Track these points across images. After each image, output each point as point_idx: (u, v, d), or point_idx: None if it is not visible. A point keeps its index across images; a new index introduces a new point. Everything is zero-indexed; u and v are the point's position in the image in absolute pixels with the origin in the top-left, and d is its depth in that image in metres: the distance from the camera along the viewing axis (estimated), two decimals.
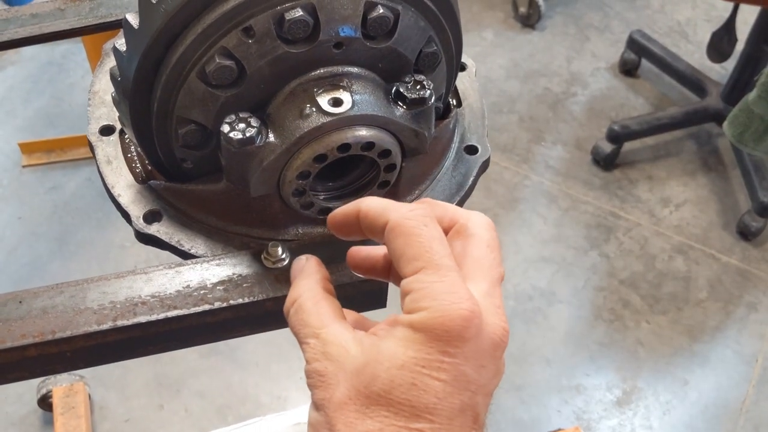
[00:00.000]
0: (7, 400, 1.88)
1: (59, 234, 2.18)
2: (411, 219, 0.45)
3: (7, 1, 2.75)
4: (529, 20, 2.78)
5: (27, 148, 2.32)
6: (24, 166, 2.32)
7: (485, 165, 0.68)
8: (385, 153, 0.58)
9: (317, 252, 0.60)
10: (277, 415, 1.84)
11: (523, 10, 2.75)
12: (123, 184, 0.63)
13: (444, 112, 0.67)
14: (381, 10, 0.55)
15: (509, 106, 2.55)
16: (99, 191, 2.30)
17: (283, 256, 0.58)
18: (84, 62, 2.53)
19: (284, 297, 0.58)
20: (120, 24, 0.76)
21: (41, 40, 0.75)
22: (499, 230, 2.22)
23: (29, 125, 2.45)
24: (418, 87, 0.57)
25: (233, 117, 0.54)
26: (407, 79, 0.58)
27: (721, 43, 2.20)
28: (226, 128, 0.54)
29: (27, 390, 1.85)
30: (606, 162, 2.37)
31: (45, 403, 1.81)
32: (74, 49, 2.59)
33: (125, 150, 0.65)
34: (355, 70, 0.57)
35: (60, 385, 1.79)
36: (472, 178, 0.66)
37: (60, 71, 2.59)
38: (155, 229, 0.61)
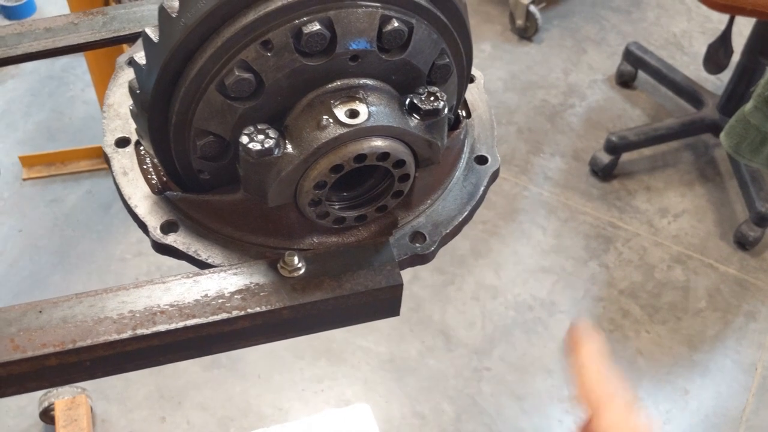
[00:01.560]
0: (9, 413, 1.88)
1: (60, 247, 2.18)
2: None
3: (6, 15, 2.76)
4: (527, 33, 2.80)
5: (27, 162, 2.33)
6: (24, 180, 2.33)
7: (495, 175, 0.69)
8: (400, 163, 0.59)
9: (330, 261, 0.61)
10: (280, 426, 1.84)
11: (520, 22, 2.78)
12: (139, 195, 0.64)
13: (454, 123, 0.69)
14: (396, 24, 0.57)
15: (507, 117, 2.57)
16: (99, 204, 2.32)
17: (299, 265, 0.59)
18: (84, 75, 2.54)
19: (300, 305, 0.59)
20: (133, 38, 0.77)
21: (55, 53, 0.76)
22: (499, 241, 2.24)
23: (30, 138, 2.45)
24: (431, 98, 0.58)
25: (252, 128, 0.55)
26: (421, 91, 0.59)
27: (717, 55, 2.22)
28: (245, 139, 0.55)
29: (29, 402, 1.85)
30: (604, 173, 2.39)
31: (47, 416, 1.81)
32: (75, 62, 2.61)
33: (141, 161, 0.66)
34: (370, 82, 0.58)
35: (62, 397, 1.79)
36: (482, 188, 0.68)
37: (60, 85, 2.60)
38: (172, 239, 0.62)
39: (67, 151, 2.33)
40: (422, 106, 0.58)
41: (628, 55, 2.63)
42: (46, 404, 1.80)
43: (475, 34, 2.87)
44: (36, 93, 2.58)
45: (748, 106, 1.87)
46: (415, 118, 0.58)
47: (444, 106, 0.58)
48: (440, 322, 2.05)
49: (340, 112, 0.56)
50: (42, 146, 2.41)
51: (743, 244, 2.24)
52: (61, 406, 1.78)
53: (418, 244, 0.64)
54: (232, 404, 1.91)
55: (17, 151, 2.37)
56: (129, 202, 0.64)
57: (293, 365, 1.96)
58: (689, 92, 2.51)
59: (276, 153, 0.55)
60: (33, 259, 2.15)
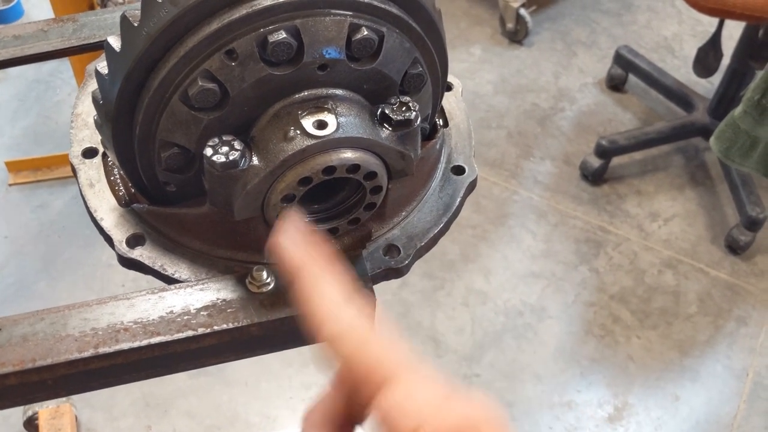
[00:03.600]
0: None
1: (46, 253, 2.16)
2: None
3: None
4: (517, 36, 2.79)
5: (14, 167, 2.31)
6: (10, 185, 2.30)
7: (472, 185, 0.68)
8: (371, 175, 0.57)
9: None
10: None
11: (510, 26, 2.77)
12: (106, 207, 0.63)
13: (430, 133, 0.67)
14: (365, 32, 0.55)
15: (497, 121, 2.56)
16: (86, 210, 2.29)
17: (268, 280, 0.58)
18: (71, 80, 2.52)
19: (269, 322, 0.57)
20: (102, 45, 0.75)
21: (24, 61, 0.75)
22: (489, 246, 2.23)
23: (16, 143, 2.43)
24: (403, 108, 0.57)
25: (216, 140, 0.54)
26: (392, 101, 0.57)
27: (707, 58, 2.22)
28: (209, 151, 0.53)
29: (13, 412, 1.83)
30: (594, 177, 2.37)
31: (31, 425, 1.79)
32: (61, 67, 2.59)
33: (108, 173, 0.65)
34: (339, 92, 0.56)
35: (46, 406, 1.77)
36: (459, 199, 0.66)
37: (47, 89, 2.58)
38: (138, 254, 0.60)
39: (54, 156, 2.31)
40: (394, 117, 0.57)
41: (619, 59, 2.62)
42: (30, 413, 1.78)
43: (464, 38, 2.87)
44: (23, 98, 2.56)
45: (738, 110, 1.86)
46: (387, 128, 0.57)
47: (416, 117, 0.57)
48: (429, 328, 2.04)
49: (308, 122, 0.54)
50: (28, 151, 2.39)
51: (734, 248, 2.23)
52: (45, 415, 1.76)
53: (392, 258, 0.62)
54: (219, 412, 1.89)
55: (3, 157, 2.35)
56: (95, 214, 0.62)
57: (281, 372, 1.94)
58: (680, 96, 2.50)
59: (241, 165, 0.54)
60: (19, 266, 2.13)
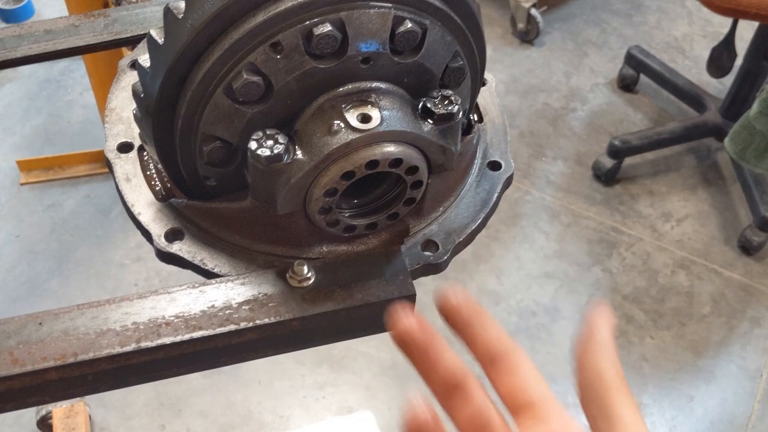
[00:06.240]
0: (5, 421, 1.85)
1: (58, 252, 2.16)
2: None
3: (4, 18, 2.74)
4: (528, 36, 2.78)
5: (25, 166, 2.31)
6: (22, 184, 2.30)
7: (509, 181, 0.67)
8: (413, 169, 0.57)
9: (341, 271, 0.59)
10: None
11: (521, 26, 2.76)
12: (143, 202, 0.62)
13: (466, 128, 0.67)
14: (409, 25, 0.55)
15: (509, 121, 2.53)
16: (98, 209, 2.29)
17: (309, 275, 0.57)
18: (83, 79, 2.52)
19: (311, 316, 0.57)
20: (135, 40, 0.75)
21: (55, 56, 0.74)
22: (501, 246, 2.22)
23: (27, 143, 2.43)
24: (445, 102, 0.56)
25: (260, 134, 0.53)
26: (434, 95, 0.57)
27: (720, 59, 2.21)
28: (253, 145, 0.53)
29: (26, 411, 1.82)
30: (607, 177, 2.37)
31: (44, 424, 1.78)
32: (73, 66, 2.58)
33: (144, 167, 0.64)
34: (382, 85, 0.56)
35: (60, 406, 1.77)
36: (496, 195, 0.66)
37: (58, 88, 2.58)
38: (177, 248, 0.60)
39: (66, 156, 2.31)
40: (436, 110, 0.56)
41: (630, 59, 2.61)
42: (43, 412, 1.77)
43: None
44: (34, 97, 2.56)
45: (753, 111, 1.86)
46: (429, 122, 0.56)
47: (458, 110, 0.57)
48: (443, 328, 2.03)
49: (352, 116, 0.54)
50: (40, 150, 2.39)
51: (747, 248, 2.22)
52: (59, 414, 1.76)
53: (430, 253, 0.62)
54: (233, 411, 1.88)
55: (15, 156, 2.34)
56: (132, 209, 0.62)
57: (294, 372, 1.93)
58: (691, 96, 2.50)
59: (285, 159, 0.53)
60: (31, 265, 2.13)
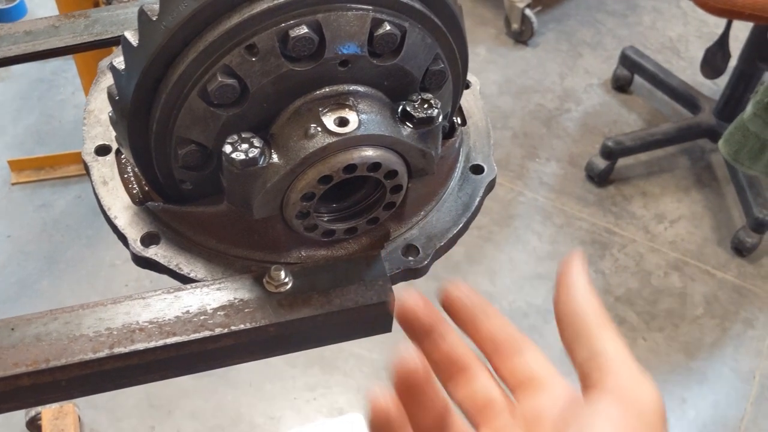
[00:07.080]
0: None
1: (48, 252, 2.15)
2: None
3: None
4: (522, 36, 2.78)
5: (16, 166, 2.30)
6: (13, 184, 2.29)
7: (491, 185, 0.67)
8: (392, 174, 0.56)
9: (319, 276, 0.58)
10: None
11: (515, 26, 2.76)
12: (119, 205, 0.61)
13: (449, 131, 0.66)
14: (388, 27, 0.54)
15: (502, 122, 2.54)
16: (89, 209, 2.28)
17: (286, 279, 0.57)
18: (74, 79, 2.51)
19: (287, 322, 0.56)
20: (115, 41, 0.75)
21: (35, 57, 0.74)
22: (494, 247, 2.22)
23: (18, 142, 2.42)
24: (425, 106, 0.56)
25: (235, 137, 0.53)
26: (414, 98, 0.56)
27: (714, 59, 2.20)
28: (228, 149, 0.52)
29: (15, 412, 1.81)
30: (600, 178, 2.36)
31: (34, 425, 1.77)
32: (65, 65, 2.57)
33: (122, 170, 0.64)
34: (361, 88, 0.55)
35: (49, 407, 1.76)
36: (478, 199, 0.65)
37: (50, 88, 2.57)
38: (153, 252, 0.59)
39: (57, 156, 2.30)
40: (415, 114, 0.55)
41: (624, 60, 2.61)
42: (32, 413, 1.76)
43: (469, 38, 2.83)
44: (25, 96, 2.54)
45: (747, 112, 1.85)
46: (408, 126, 0.56)
47: (438, 114, 0.56)
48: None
49: (329, 120, 0.53)
50: (31, 150, 2.38)
51: (740, 250, 2.21)
52: (48, 415, 1.75)
53: (411, 258, 0.61)
54: (223, 413, 1.88)
55: (6, 156, 2.33)
56: (108, 212, 0.61)
57: (285, 373, 1.93)
58: (686, 97, 2.49)
59: (261, 163, 0.52)
60: (21, 265, 2.12)
